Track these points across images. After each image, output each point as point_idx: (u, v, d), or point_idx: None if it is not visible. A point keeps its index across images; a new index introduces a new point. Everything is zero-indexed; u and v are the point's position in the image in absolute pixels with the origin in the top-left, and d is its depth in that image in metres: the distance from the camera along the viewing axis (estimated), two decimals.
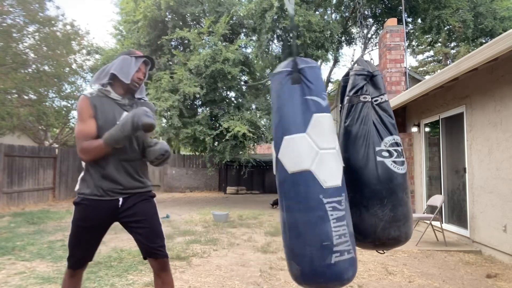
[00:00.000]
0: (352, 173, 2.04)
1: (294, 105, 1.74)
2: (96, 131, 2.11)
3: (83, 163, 2.21)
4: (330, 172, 1.68)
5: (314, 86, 1.76)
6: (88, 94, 2.19)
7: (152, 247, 2.20)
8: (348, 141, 2.12)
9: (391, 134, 2.11)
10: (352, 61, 2.41)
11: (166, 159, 2.25)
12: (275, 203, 10.48)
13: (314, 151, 1.68)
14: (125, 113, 2.20)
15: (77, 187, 2.21)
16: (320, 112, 1.73)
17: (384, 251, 2.21)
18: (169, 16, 12.29)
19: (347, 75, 2.33)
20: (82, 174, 2.21)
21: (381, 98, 2.18)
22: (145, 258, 2.26)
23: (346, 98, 2.22)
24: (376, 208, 2.02)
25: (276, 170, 1.77)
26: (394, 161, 2.06)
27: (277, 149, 1.75)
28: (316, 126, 1.70)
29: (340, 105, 2.35)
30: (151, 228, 2.23)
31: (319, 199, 1.64)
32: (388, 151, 2.07)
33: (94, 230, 2.17)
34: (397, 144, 2.11)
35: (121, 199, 2.17)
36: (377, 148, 2.05)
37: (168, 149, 2.26)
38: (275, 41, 12.18)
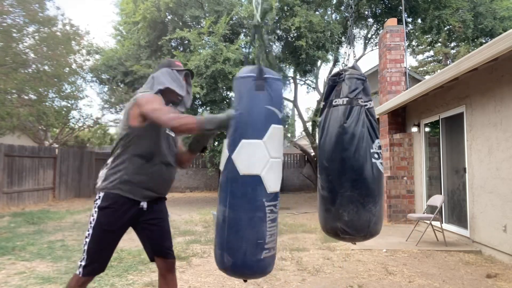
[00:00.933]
0: (353, 172, 2.21)
1: (256, 111, 1.84)
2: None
3: (118, 160, 2.10)
4: (274, 179, 1.84)
5: (275, 98, 1.88)
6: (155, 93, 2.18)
7: (164, 247, 2.23)
8: (348, 142, 2.24)
9: (377, 137, 2.33)
10: (344, 63, 2.54)
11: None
12: None
13: (266, 158, 1.82)
14: None
15: (105, 183, 2.08)
16: (277, 124, 1.86)
17: (356, 243, 2.46)
18: (169, 17, 12.29)
19: (337, 75, 2.41)
20: (111, 169, 2.10)
21: (370, 104, 2.35)
22: (152, 259, 2.25)
23: (345, 99, 2.28)
24: (370, 205, 2.22)
25: (225, 168, 1.86)
26: (381, 163, 2.29)
27: (232, 149, 1.84)
28: (272, 136, 1.83)
29: (324, 103, 2.42)
30: (165, 228, 2.27)
31: (262, 202, 1.80)
32: (377, 153, 2.27)
33: (119, 233, 2.12)
34: (380, 147, 2.34)
35: (145, 204, 2.15)
36: (371, 150, 2.25)
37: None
38: (276, 42, 12.16)
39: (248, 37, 13.00)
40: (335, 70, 2.53)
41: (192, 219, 8.34)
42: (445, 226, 6.12)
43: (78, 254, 4.86)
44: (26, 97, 11.94)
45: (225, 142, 1.89)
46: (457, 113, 5.95)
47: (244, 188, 1.81)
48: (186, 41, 12.13)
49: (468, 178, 5.57)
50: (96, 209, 2.08)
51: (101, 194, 2.09)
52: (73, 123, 15.12)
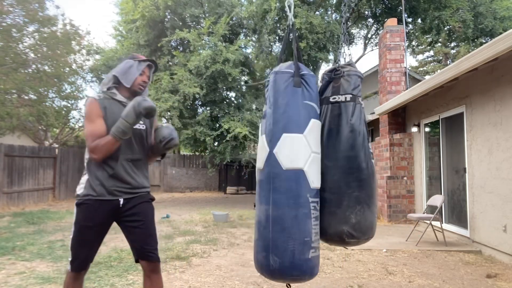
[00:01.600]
0: (360, 171, 2.09)
1: (296, 106, 1.85)
2: (106, 131, 2.14)
3: (86, 165, 2.22)
4: (316, 174, 1.83)
5: (313, 93, 1.91)
6: (96, 96, 2.23)
7: (146, 249, 2.22)
8: (355, 140, 2.11)
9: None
10: (337, 61, 2.43)
11: (172, 141, 2.29)
12: None
13: (308, 152, 1.81)
14: None
15: (81, 191, 2.19)
16: (316, 118, 1.88)
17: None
18: (168, 17, 12.29)
19: (332, 71, 2.26)
20: (85, 176, 2.21)
21: (362, 103, 2.28)
22: (137, 261, 2.26)
23: (349, 96, 2.17)
24: (373, 206, 2.14)
25: (266, 164, 1.82)
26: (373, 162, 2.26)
27: (274, 144, 1.81)
28: (312, 130, 1.84)
29: (320, 100, 2.29)
30: (148, 230, 2.26)
31: (307, 198, 1.76)
32: (371, 153, 2.21)
33: (97, 229, 2.18)
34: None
35: (121, 200, 2.20)
36: (370, 150, 2.18)
37: (175, 134, 2.34)
38: (276, 42, 12.16)
39: (248, 37, 13.01)
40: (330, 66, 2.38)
41: (192, 219, 8.34)
42: (445, 226, 6.12)
43: None
44: (26, 97, 11.94)
45: (262, 139, 1.90)
46: (457, 113, 5.95)
47: (288, 183, 1.76)
48: (186, 41, 12.13)
49: (468, 178, 5.57)
50: (75, 206, 2.20)
51: (76, 200, 2.22)
52: (73, 123, 15.13)
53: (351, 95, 2.17)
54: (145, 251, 2.22)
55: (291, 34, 2.09)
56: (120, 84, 2.27)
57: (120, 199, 2.19)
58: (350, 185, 2.07)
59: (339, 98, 2.17)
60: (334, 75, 2.23)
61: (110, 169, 2.17)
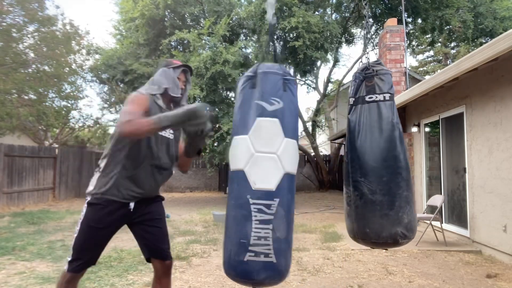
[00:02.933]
0: (406, 170, 2.06)
1: (246, 108, 1.84)
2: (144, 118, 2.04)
3: (104, 163, 2.11)
4: (263, 175, 1.73)
5: (263, 91, 1.83)
6: (147, 93, 2.17)
7: (162, 248, 2.23)
8: (399, 139, 2.07)
9: None
10: (360, 61, 2.36)
11: (192, 117, 2.00)
12: None
13: (250, 152, 1.77)
14: None
15: (92, 188, 2.11)
16: (263, 117, 1.79)
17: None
18: (168, 16, 12.29)
19: (365, 69, 2.21)
20: (99, 173, 2.12)
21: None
22: (149, 260, 2.23)
23: (388, 95, 2.13)
24: (414, 204, 2.25)
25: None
26: None
27: (230, 147, 1.88)
28: (257, 129, 1.78)
29: (354, 99, 2.22)
30: (164, 229, 2.27)
31: (247, 199, 1.72)
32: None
33: (106, 232, 2.11)
34: None
35: (132, 204, 2.14)
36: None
37: (194, 107, 1.99)
38: (275, 42, 12.15)
39: (248, 38, 13.01)
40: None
41: (192, 219, 8.34)
42: (445, 226, 6.12)
43: None
44: (26, 97, 11.94)
45: None
46: (457, 113, 5.95)
47: (232, 184, 1.80)
48: (186, 41, 12.13)
49: (468, 178, 5.57)
50: (85, 205, 2.11)
51: (88, 198, 2.12)
52: (73, 123, 15.13)
53: (389, 94, 2.13)
54: (161, 250, 2.21)
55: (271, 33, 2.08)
56: (164, 94, 2.22)
57: (131, 203, 2.13)
58: (400, 185, 2.02)
59: (376, 97, 2.13)
60: (366, 74, 2.18)
61: (132, 170, 2.09)
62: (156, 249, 2.21)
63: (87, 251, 2.08)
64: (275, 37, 11.74)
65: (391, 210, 2.00)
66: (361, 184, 2.04)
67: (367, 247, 2.23)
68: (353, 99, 2.19)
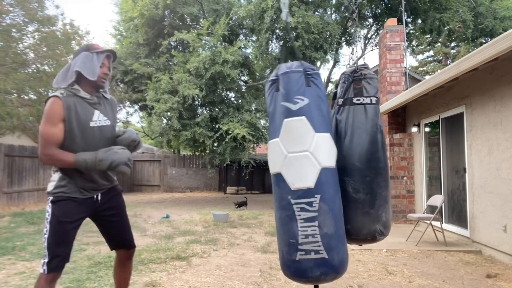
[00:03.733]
0: (386, 171, 2.16)
1: (274, 111, 1.88)
2: (62, 137, 2.10)
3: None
4: (299, 175, 1.76)
5: (286, 92, 1.85)
6: (59, 94, 2.12)
7: (126, 239, 2.38)
8: (382, 141, 2.15)
9: None
10: (348, 63, 2.41)
11: (136, 146, 2.33)
12: (239, 205, 10.19)
13: (283, 155, 1.81)
14: (96, 112, 2.23)
15: (55, 188, 2.16)
16: (290, 117, 1.81)
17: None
18: (168, 16, 12.30)
19: (354, 72, 2.24)
20: (57, 175, 2.18)
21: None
22: (113, 249, 2.38)
23: (374, 98, 2.18)
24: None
25: None
26: None
27: (268, 153, 1.95)
28: (286, 131, 1.81)
29: (342, 100, 2.25)
30: (124, 220, 2.40)
31: (288, 200, 1.76)
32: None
33: (75, 225, 2.19)
34: None
35: (99, 195, 2.27)
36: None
37: (137, 137, 2.33)
38: (274, 41, 12.16)
39: (247, 38, 13.01)
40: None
41: (192, 219, 8.34)
42: (445, 226, 6.12)
43: (78, 254, 4.86)
44: (26, 97, 11.94)
45: None
46: (457, 113, 5.95)
47: (274, 187, 1.86)
48: (186, 41, 12.14)
49: (468, 178, 5.57)
50: (50, 204, 2.14)
51: (51, 198, 2.17)
52: None
53: (376, 98, 2.19)
54: (125, 240, 2.37)
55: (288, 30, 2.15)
56: (81, 79, 2.18)
57: (94, 196, 2.25)
58: (380, 185, 2.10)
59: (364, 100, 2.17)
60: (354, 77, 2.23)
61: (82, 172, 2.18)
62: (120, 240, 2.37)
63: (62, 247, 2.13)
64: (276, 35, 11.75)
65: (372, 208, 2.08)
66: (346, 183, 2.08)
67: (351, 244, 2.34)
68: (342, 99, 2.23)
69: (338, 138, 2.15)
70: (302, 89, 1.84)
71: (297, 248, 1.72)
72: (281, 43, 11.96)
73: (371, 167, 2.09)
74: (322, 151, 1.81)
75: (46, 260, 2.09)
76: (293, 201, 1.74)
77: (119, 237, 2.36)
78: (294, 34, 10.54)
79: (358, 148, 2.10)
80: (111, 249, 2.39)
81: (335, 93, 2.34)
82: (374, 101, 2.17)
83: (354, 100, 2.17)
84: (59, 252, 2.10)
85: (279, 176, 1.81)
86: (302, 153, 1.78)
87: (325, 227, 1.74)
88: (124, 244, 2.37)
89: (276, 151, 1.83)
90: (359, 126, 2.12)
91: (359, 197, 2.08)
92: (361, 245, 2.35)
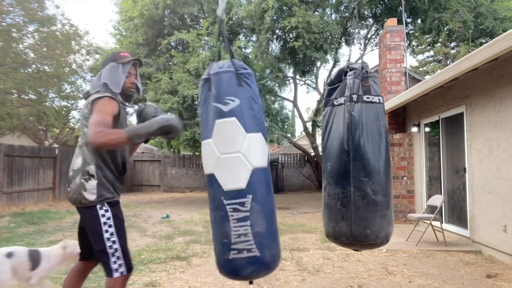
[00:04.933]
0: (391, 172, 2.20)
1: (207, 112, 1.85)
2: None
3: (95, 169, 2.12)
4: (231, 176, 1.76)
5: (217, 93, 1.82)
6: (112, 95, 2.18)
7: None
8: (388, 142, 2.18)
9: None
10: (348, 61, 2.38)
11: (168, 132, 2.06)
12: None
13: (215, 156, 1.79)
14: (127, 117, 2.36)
15: (97, 196, 2.10)
16: (221, 118, 1.79)
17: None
18: (167, 16, 12.29)
19: (362, 69, 2.23)
20: (93, 182, 2.11)
21: None
22: (89, 259, 2.38)
23: (381, 98, 2.19)
24: None
25: None
26: None
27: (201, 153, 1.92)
28: (218, 132, 1.79)
29: (356, 97, 2.19)
30: None
31: (221, 200, 1.77)
32: None
33: None
34: None
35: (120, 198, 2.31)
36: None
37: (171, 122, 2.05)
38: (275, 41, 12.16)
39: (248, 38, 13.01)
40: (335, 70, 2.27)
41: (192, 219, 8.33)
42: (445, 226, 6.12)
43: None
44: (26, 97, 11.94)
45: None
46: (457, 113, 5.95)
47: (208, 188, 1.87)
48: (185, 41, 12.14)
49: (468, 178, 5.57)
50: (106, 208, 2.12)
51: (102, 204, 2.14)
52: (73, 123, 15.11)
53: (382, 98, 2.19)
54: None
55: (220, 28, 2.07)
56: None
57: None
58: (391, 186, 2.12)
59: (373, 98, 2.14)
60: (363, 74, 2.19)
61: (117, 171, 2.23)
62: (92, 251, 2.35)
63: (127, 245, 2.19)
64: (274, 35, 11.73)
65: (387, 210, 2.04)
66: (365, 184, 2.02)
67: (350, 249, 2.22)
68: (356, 96, 2.16)
69: (354, 136, 2.08)
70: (234, 89, 1.82)
71: (230, 248, 1.74)
72: (281, 43, 11.96)
73: (386, 168, 2.07)
74: (254, 152, 1.80)
75: (121, 262, 2.10)
76: (225, 202, 1.75)
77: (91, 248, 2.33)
78: (295, 34, 10.54)
79: (374, 148, 2.07)
80: (87, 259, 2.38)
81: (334, 88, 2.28)
82: (381, 101, 2.17)
83: (364, 98, 2.14)
84: (127, 251, 2.17)
85: (212, 177, 1.80)
86: (233, 154, 1.77)
87: (257, 226, 1.76)
88: (94, 256, 2.32)
89: (209, 152, 1.81)
90: (373, 125, 2.09)
91: (378, 199, 2.03)
92: (359, 251, 2.32)
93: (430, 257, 4.86)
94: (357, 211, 2.06)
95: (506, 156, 4.68)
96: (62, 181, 12.35)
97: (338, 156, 2.12)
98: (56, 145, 14.22)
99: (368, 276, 4.03)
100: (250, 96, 1.84)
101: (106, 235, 2.09)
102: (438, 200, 5.78)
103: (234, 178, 1.76)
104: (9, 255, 2.88)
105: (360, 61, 2.41)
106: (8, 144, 10.41)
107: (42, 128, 14.22)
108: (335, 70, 2.36)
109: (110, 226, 2.11)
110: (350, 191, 2.08)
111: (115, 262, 2.08)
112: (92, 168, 2.13)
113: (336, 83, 2.31)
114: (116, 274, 2.07)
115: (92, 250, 2.25)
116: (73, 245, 2.98)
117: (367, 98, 2.13)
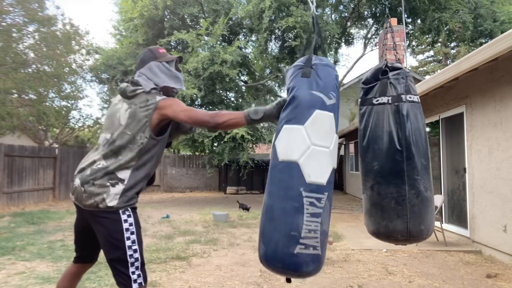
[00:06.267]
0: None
1: (300, 97, 1.78)
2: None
3: (127, 174, 1.95)
4: (317, 169, 1.72)
5: (322, 83, 1.79)
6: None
7: (98, 253, 2.28)
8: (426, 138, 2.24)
9: None
10: (385, 59, 2.37)
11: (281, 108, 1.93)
12: (242, 207, 9.97)
13: (306, 144, 1.72)
14: None
15: (120, 201, 1.92)
16: (323, 110, 1.76)
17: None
18: (167, 16, 12.30)
19: (385, 74, 2.24)
20: (121, 187, 1.94)
21: None
22: (86, 262, 2.22)
23: (418, 97, 2.23)
24: None
25: (271, 156, 1.83)
26: None
27: (276, 135, 1.81)
28: (315, 121, 1.74)
29: (403, 96, 2.24)
30: None
31: (299, 191, 1.69)
32: None
33: None
34: None
35: None
36: None
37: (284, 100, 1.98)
38: (273, 41, 12.16)
39: (247, 37, 13.00)
40: (395, 64, 2.26)
41: (192, 219, 8.34)
42: (445, 226, 6.12)
43: None
44: (26, 97, 11.94)
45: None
46: (457, 113, 5.95)
47: (281, 175, 1.74)
48: (185, 41, 12.14)
49: (468, 178, 5.57)
50: (130, 212, 1.96)
51: (125, 209, 1.97)
52: (73, 123, 15.12)
53: (418, 97, 2.22)
54: (96, 255, 2.26)
55: (315, 24, 2.06)
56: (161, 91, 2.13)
57: None
58: (431, 183, 2.16)
59: (414, 98, 2.19)
60: (403, 74, 2.22)
61: (148, 177, 2.08)
62: (95, 254, 2.23)
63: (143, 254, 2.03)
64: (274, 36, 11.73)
65: (432, 205, 2.15)
66: (418, 182, 2.07)
67: (399, 245, 2.26)
68: (404, 96, 2.20)
69: (405, 135, 2.13)
70: (336, 87, 1.83)
71: (298, 242, 1.67)
72: (279, 42, 11.96)
73: (430, 165, 2.15)
74: (336, 152, 1.83)
75: (140, 272, 1.91)
76: (304, 194, 1.69)
77: (97, 250, 2.20)
78: (293, 33, 10.54)
79: (422, 146, 2.15)
80: (83, 263, 2.21)
81: (371, 87, 2.25)
82: (419, 100, 2.23)
83: (407, 97, 2.19)
84: (143, 259, 1.97)
85: (294, 165, 1.71)
86: (324, 148, 1.74)
87: (324, 224, 1.75)
88: (93, 259, 2.23)
89: (296, 138, 1.73)
90: (419, 125, 2.17)
91: (428, 195, 2.10)
92: (405, 245, 2.42)
93: (430, 257, 4.87)
94: (413, 208, 2.10)
95: (506, 156, 4.68)
96: (62, 181, 12.35)
97: (389, 156, 2.14)
98: (56, 145, 14.22)
99: (368, 276, 4.03)
100: (339, 101, 1.87)
101: (128, 243, 1.90)
102: (438, 200, 5.78)
103: (319, 172, 1.72)
104: None
105: (396, 59, 2.45)
106: (8, 144, 10.41)
107: (42, 128, 14.23)
108: (371, 68, 2.35)
109: (132, 233, 1.92)
110: (405, 190, 2.11)
111: (133, 273, 1.90)
112: (126, 173, 1.94)
113: (372, 82, 2.30)
114: (135, 286, 1.89)
115: (91, 255, 2.18)
116: None
117: (409, 97, 2.19)
